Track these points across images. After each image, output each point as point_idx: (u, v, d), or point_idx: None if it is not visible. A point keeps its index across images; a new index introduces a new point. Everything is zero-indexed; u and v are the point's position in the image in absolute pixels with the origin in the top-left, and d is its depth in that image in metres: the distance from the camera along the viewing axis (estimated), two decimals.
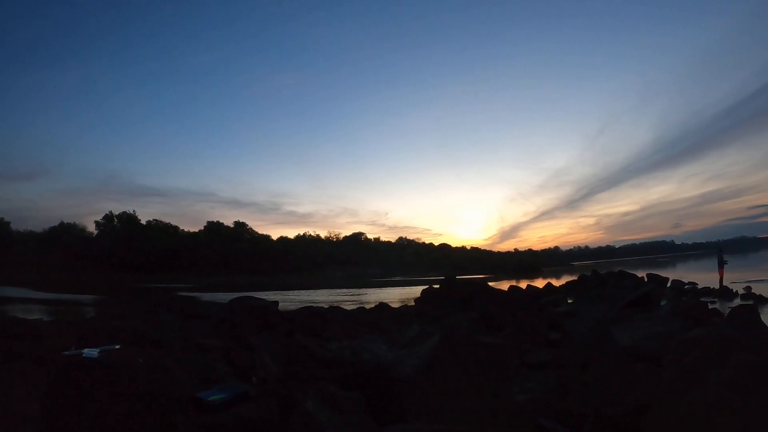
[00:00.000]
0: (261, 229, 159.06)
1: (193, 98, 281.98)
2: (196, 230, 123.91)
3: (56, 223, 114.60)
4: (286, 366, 5.17)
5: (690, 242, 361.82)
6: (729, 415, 3.25)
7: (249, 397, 4.84)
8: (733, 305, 15.66)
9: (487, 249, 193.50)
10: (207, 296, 39.21)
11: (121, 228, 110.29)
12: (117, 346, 4.78)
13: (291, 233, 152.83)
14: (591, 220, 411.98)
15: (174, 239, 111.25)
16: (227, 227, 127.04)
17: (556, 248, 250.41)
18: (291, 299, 37.92)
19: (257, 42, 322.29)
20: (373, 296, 41.28)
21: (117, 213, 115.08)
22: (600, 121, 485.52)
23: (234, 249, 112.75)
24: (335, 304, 26.21)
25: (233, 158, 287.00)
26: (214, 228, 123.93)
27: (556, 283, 35.91)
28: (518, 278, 62.05)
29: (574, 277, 37.37)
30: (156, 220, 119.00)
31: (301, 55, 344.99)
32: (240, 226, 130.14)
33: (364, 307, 23.46)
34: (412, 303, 24.68)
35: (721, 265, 28.15)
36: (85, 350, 4.43)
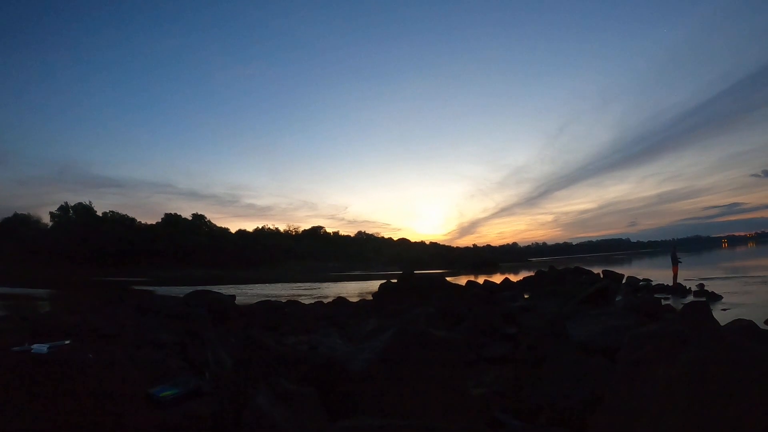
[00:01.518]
0: (219, 222, 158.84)
1: (153, 86, 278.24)
2: (154, 222, 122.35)
3: (10, 214, 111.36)
4: (241, 361, 5.12)
5: (645, 240, 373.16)
6: (677, 409, 3.32)
7: (201, 393, 4.78)
8: (686, 302, 16.01)
9: (446, 244, 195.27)
10: (163, 290, 38.58)
11: (77, 219, 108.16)
12: (67, 342, 4.69)
13: (250, 226, 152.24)
14: (549, 218, 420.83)
15: (130, 232, 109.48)
16: (185, 219, 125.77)
17: (515, 244, 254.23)
18: (249, 293, 37.65)
19: (220, 31, 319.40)
20: (332, 290, 41.18)
21: (72, 204, 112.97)
22: (560, 120, 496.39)
23: (192, 242, 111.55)
24: (293, 299, 26.10)
25: (193, 149, 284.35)
26: (171, 220, 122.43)
27: (513, 278, 36.37)
28: (476, 273, 62.44)
29: (531, 273, 37.90)
30: (112, 211, 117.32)
31: (264, 46, 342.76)
32: (198, 218, 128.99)
33: (322, 302, 23.44)
34: (370, 297, 24.73)
35: (675, 262, 28.74)
36: (35, 346, 4.34)
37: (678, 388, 3.41)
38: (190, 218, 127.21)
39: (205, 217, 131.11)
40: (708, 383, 3.30)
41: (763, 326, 11.60)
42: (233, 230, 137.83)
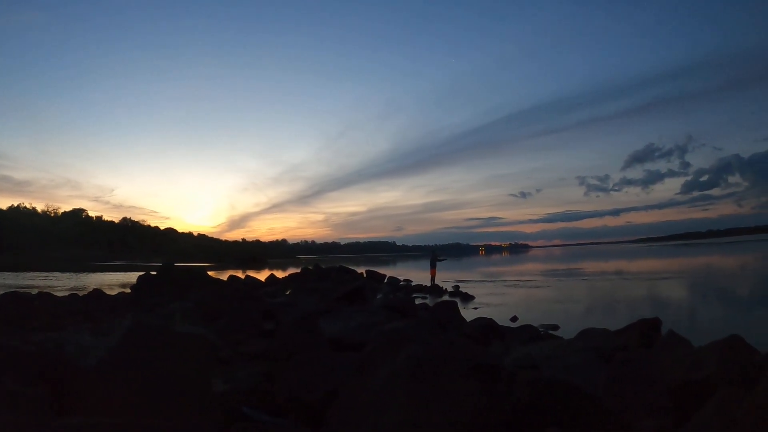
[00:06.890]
0: None
1: None
2: None
3: None
4: None
5: (410, 244, 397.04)
6: (396, 403, 3.64)
7: None
8: (441, 300, 17.42)
9: (215, 237, 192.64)
10: None
11: None
12: None
13: (3, 203, 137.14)
14: (320, 217, 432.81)
15: None
16: None
17: (284, 241, 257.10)
18: None
19: None
20: (91, 281, 38.45)
21: None
22: (341, 125, 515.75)
23: None
24: (46, 290, 23.99)
25: None
26: None
27: (279, 275, 36.71)
28: (244, 268, 62.03)
29: (297, 270, 38.46)
30: None
31: None
32: None
33: (77, 294, 21.81)
34: (130, 290, 23.67)
35: (434, 265, 31.01)
36: None
37: (397, 382, 3.75)
38: None
39: None
40: (421, 378, 3.67)
41: (503, 323, 13.02)
42: None
